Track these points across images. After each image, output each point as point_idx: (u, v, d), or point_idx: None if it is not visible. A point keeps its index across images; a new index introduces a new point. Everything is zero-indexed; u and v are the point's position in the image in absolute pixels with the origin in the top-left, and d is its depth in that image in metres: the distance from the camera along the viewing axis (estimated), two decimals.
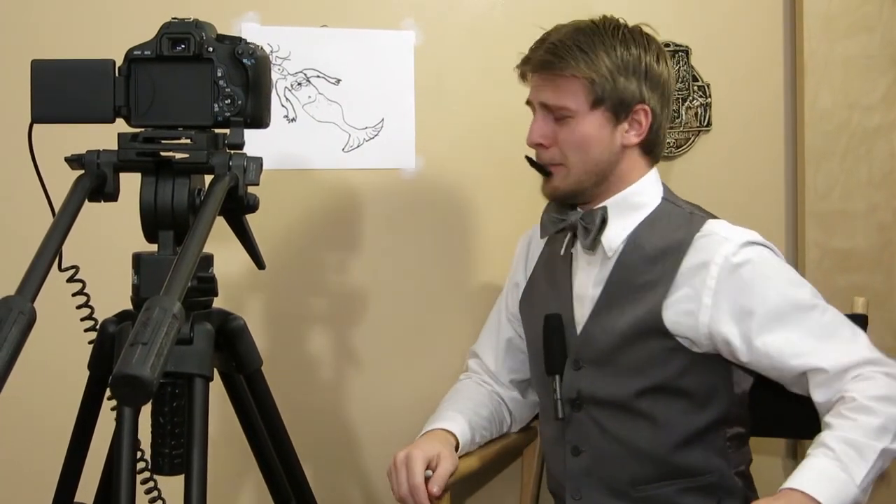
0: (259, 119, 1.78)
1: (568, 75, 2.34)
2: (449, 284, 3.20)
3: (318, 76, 3.02)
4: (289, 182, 2.99)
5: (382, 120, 3.09)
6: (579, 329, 2.44)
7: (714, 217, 2.41)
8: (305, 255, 3.05)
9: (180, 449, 1.77)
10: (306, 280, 3.06)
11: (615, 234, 2.38)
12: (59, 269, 1.76)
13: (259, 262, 1.92)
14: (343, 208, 3.09)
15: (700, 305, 2.27)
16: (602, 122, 2.35)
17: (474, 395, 2.73)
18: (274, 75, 2.87)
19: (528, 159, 2.51)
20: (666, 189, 2.47)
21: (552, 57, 2.35)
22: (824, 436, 2.11)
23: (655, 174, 2.47)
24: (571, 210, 2.47)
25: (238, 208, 1.78)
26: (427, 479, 2.32)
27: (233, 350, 1.84)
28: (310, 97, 3.01)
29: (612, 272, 2.38)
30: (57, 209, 1.64)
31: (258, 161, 1.75)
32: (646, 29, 2.51)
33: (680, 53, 3.40)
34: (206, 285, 1.79)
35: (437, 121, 3.14)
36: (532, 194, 3.16)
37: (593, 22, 2.44)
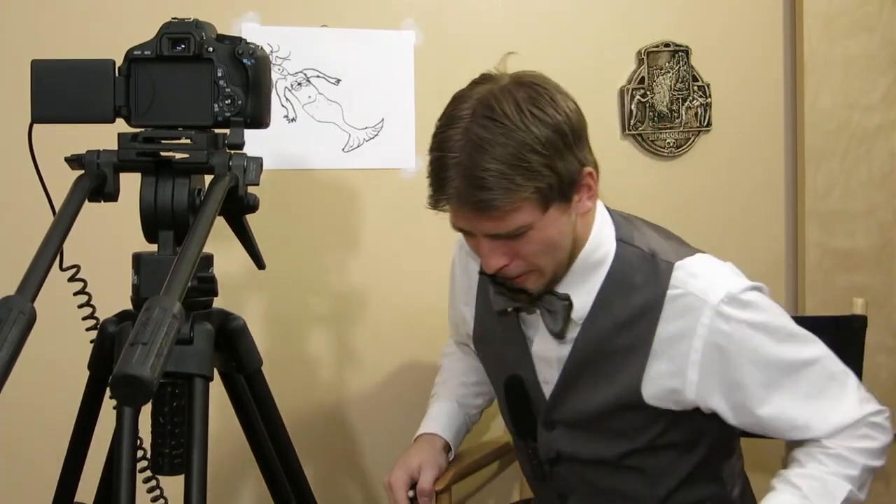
0: (259, 119, 1.78)
1: (512, 207, 1.98)
2: (447, 283, 3.20)
3: (318, 76, 3.02)
4: (289, 182, 2.99)
5: (382, 120, 3.09)
6: (548, 391, 2.26)
7: (677, 248, 2.19)
8: (305, 254, 3.05)
9: (180, 449, 1.77)
10: (306, 280, 3.06)
11: (581, 306, 2.15)
12: (61, 268, 1.76)
13: (259, 262, 1.92)
14: (343, 208, 3.09)
15: (685, 381, 2.09)
16: (558, 214, 2.03)
17: (458, 364, 2.68)
18: (274, 75, 2.88)
19: (491, 278, 2.19)
20: (612, 219, 2.22)
21: (487, 195, 1.97)
22: (790, 473, 2.08)
23: (600, 207, 2.22)
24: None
25: (238, 208, 1.78)
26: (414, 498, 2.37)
27: (233, 350, 1.84)
28: (310, 97, 3.01)
29: (579, 339, 2.17)
30: (57, 209, 1.64)
31: (258, 161, 1.75)
32: (521, 74, 2.18)
33: (680, 53, 3.40)
34: (206, 285, 1.79)
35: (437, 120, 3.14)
36: None
37: (489, 118, 2.02)
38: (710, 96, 3.46)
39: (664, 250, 2.16)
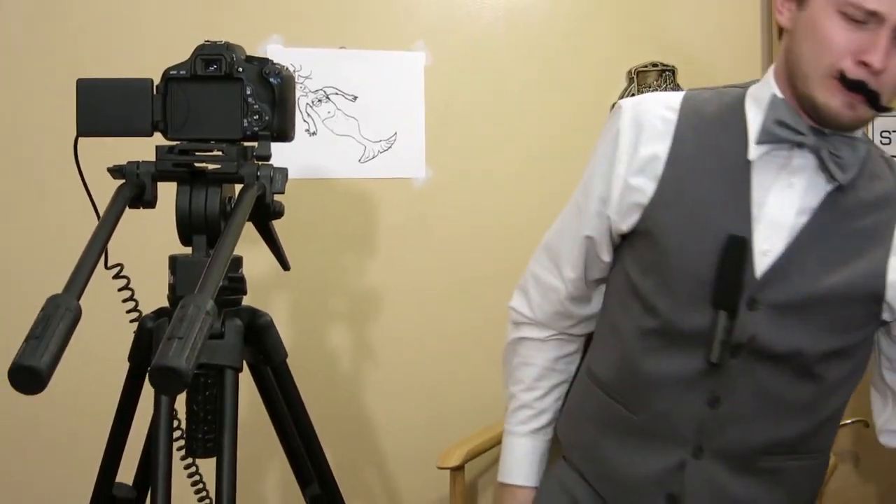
0: (284, 133, 1.78)
1: None
2: (457, 284, 3.20)
3: (337, 93, 3.02)
4: (311, 190, 2.99)
5: (395, 133, 3.09)
6: (766, 263, 1.80)
7: None
8: (326, 257, 3.05)
9: (212, 434, 1.76)
10: (327, 280, 3.06)
11: (851, 164, 1.79)
12: (106, 267, 1.76)
13: (284, 264, 1.92)
14: (360, 214, 3.09)
15: None
16: None
17: (531, 373, 2.18)
18: (297, 93, 2.88)
19: (856, 83, 1.69)
20: None
21: None
22: None
23: None
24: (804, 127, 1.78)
25: (265, 214, 1.77)
26: None
27: (260, 344, 1.83)
28: (329, 113, 3.01)
29: (823, 208, 1.80)
30: (101, 215, 1.64)
31: (283, 171, 1.74)
32: None
33: (667, 73, 3.39)
34: (236, 285, 1.79)
35: (446, 134, 3.15)
36: (532, 200, 3.17)
37: None
38: None
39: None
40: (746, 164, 1.81)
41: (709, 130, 1.85)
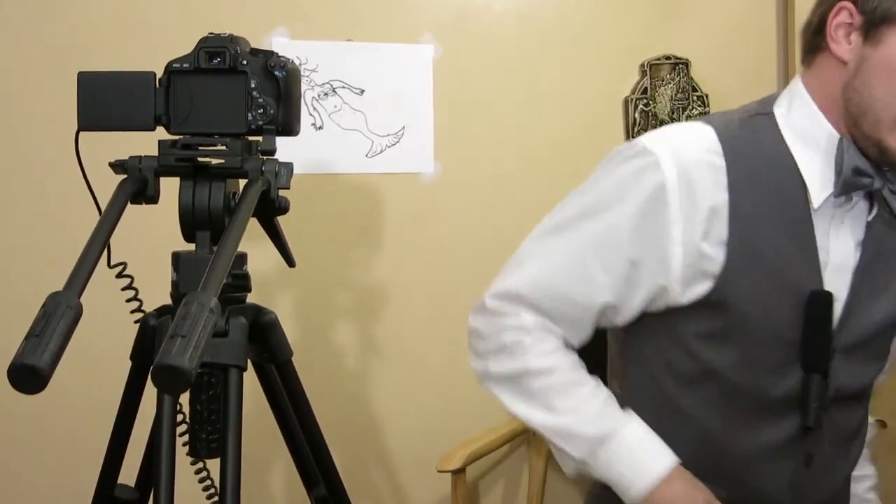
0: (289, 127, 1.78)
1: None
2: (465, 280, 3.19)
3: (344, 87, 3.02)
4: (317, 186, 2.99)
5: (403, 128, 3.08)
6: (838, 310, 1.73)
7: None
8: (332, 253, 3.05)
9: (216, 434, 1.77)
10: (333, 277, 3.06)
11: None
12: (109, 265, 1.76)
13: (289, 261, 1.92)
14: (367, 210, 3.08)
15: None
16: None
17: (547, 346, 1.79)
18: (302, 86, 2.87)
19: None
20: None
21: None
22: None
23: None
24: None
25: (270, 210, 1.77)
26: None
27: (265, 342, 1.83)
28: (336, 106, 3.01)
29: (867, 236, 1.74)
30: (102, 211, 1.64)
31: (289, 166, 1.74)
32: None
33: (680, 66, 3.38)
34: (240, 282, 1.79)
35: (454, 128, 3.14)
36: (543, 195, 3.16)
37: None
38: (708, 106, 3.44)
39: None
40: (808, 211, 1.69)
41: (762, 177, 1.69)
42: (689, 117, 3.41)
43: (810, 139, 1.70)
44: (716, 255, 1.67)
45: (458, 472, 2.72)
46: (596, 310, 1.75)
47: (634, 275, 1.71)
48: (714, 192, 1.67)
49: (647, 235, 1.69)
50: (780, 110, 1.75)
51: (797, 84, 1.76)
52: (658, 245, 1.68)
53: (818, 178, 1.68)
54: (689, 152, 1.69)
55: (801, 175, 1.69)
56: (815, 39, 1.72)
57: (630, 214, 1.70)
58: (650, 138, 1.74)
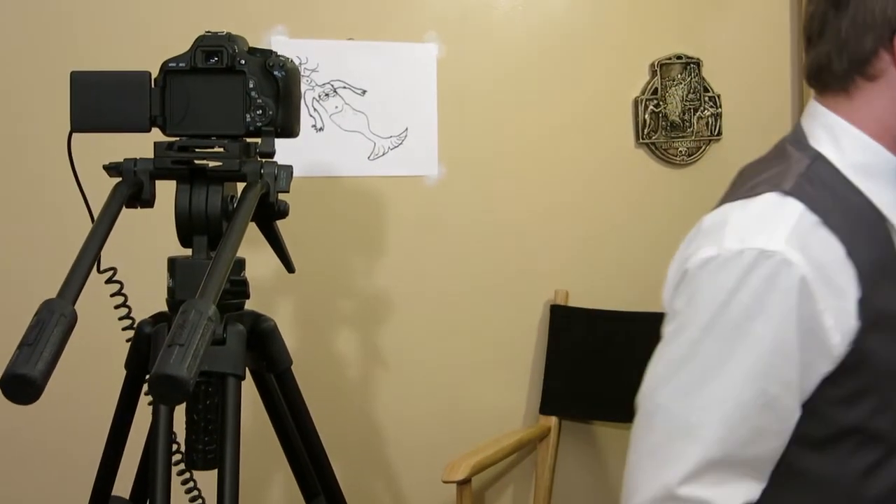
0: (289, 128, 1.78)
1: None
2: (470, 286, 3.19)
3: (345, 87, 3.02)
4: (317, 189, 2.98)
5: (406, 129, 3.08)
6: None
7: None
8: (333, 258, 3.05)
9: (213, 445, 1.76)
10: (334, 283, 3.06)
11: None
12: (98, 271, 1.75)
13: (289, 266, 1.92)
14: (369, 214, 3.08)
15: None
16: None
17: None
18: (302, 86, 2.87)
19: None
20: None
21: None
22: None
23: None
24: None
25: (269, 214, 1.77)
26: None
27: (264, 350, 1.83)
28: (337, 107, 3.01)
29: None
30: (95, 215, 1.63)
31: (288, 169, 1.74)
32: None
33: (692, 65, 3.38)
34: (238, 288, 1.78)
35: (459, 130, 3.14)
36: (549, 198, 3.16)
37: None
38: (720, 106, 3.44)
39: None
40: (891, 242, 1.66)
41: (856, 225, 1.65)
42: (700, 118, 3.41)
43: (875, 172, 1.69)
44: (854, 320, 1.61)
45: (464, 483, 2.71)
46: (792, 429, 1.65)
47: (805, 377, 1.62)
48: (838, 263, 1.60)
49: (807, 335, 1.59)
50: (826, 150, 1.71)
51: (833, 118, 1.72)
52: (818, 339, 1.60)
53: (892, 207, 1.66)
54: (802, 236, 1.61)
55: (877, 210, 1.66)
56: (856, 72, 1.69)
57: (783, 321, 1.60)
58: (750, 238, 1.62)
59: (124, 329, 1.84)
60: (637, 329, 3.13)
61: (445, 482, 2.74)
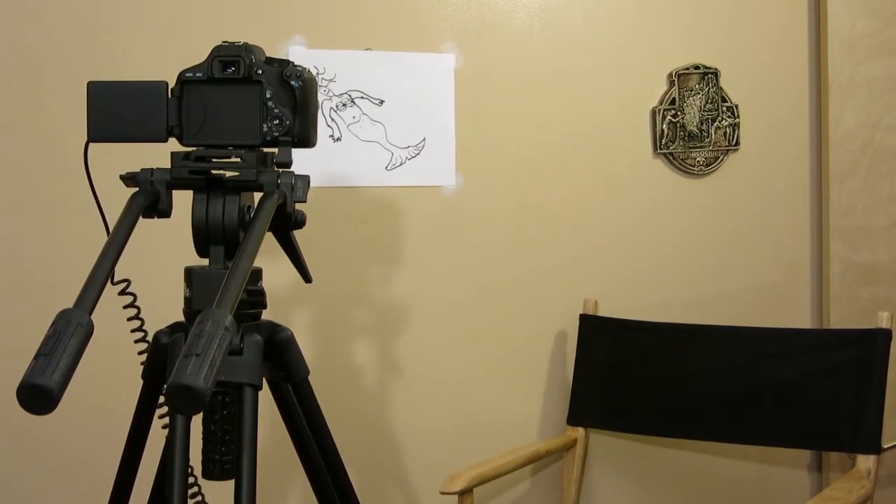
0: (306, 139, 1.77)
1: None
2: (488, 297, 3.18)
3: (363, 97, 3.01)
4: (334, 199, 2.98)
5: (424, 139, 3.08)
6: None
7: None
8: (350, 269, 3.04)
9: (230, 455, 1.76)
10: (351, 293, 3.05)
11: None
12: (112, 283, 1.75)
13: (306, 276, 1.91)
14: (386, 224, 3.07)
15: None
16: None
17: None
18: (320, 96, 2.87)
19: None
20: None
21: None
22: None
23: None
24: None
25: (286, 224, 1.76)
26: None
27: (281, 360, 1.82)
28: (354, 117, 3.00)
29: None
30: (111, 225, 1.63)
31: (305, 179, 1.74)
32: None
33: (709, 76, 3.37)
34: (255, 298, 1.78)
35: (477, 140, 3.13)
36: (567, 209, 3.15)
37: None
38: (738, 116, 3.43)
39: None
40: None
41: None
42: (718, 128, 3.40)
43: None
44: None
45: (465, 494, 2.70)
46: None
47: None
48: None
49: None
50: None
51: None
52: None
53: None
54: None
55: None
56: None
57: None
58: None
59: (136, 341, 1.84)
60: (662, 340, 3.12)
61: (443, 493, 2.72)
